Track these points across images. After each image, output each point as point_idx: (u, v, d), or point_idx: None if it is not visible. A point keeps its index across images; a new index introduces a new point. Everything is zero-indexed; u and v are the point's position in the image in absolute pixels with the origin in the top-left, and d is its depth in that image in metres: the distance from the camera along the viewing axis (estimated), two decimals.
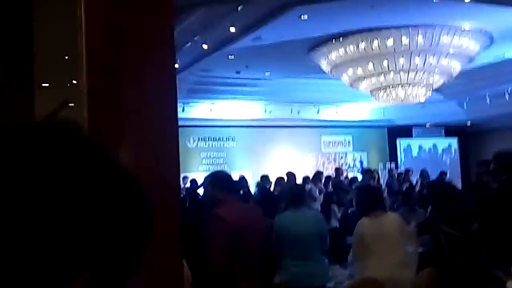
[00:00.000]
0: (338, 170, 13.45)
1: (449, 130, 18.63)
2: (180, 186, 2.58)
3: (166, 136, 2.07)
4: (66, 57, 8.42)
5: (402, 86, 11.25)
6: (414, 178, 13.09)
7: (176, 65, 8.64)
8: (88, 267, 0.46)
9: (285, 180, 10.81)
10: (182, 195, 9.92)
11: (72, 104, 11.65)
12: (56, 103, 11.84)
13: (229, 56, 10.94)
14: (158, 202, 2.00)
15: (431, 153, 18.66)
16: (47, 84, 9.62)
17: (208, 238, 3.44)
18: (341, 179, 12.54)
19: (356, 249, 4.70)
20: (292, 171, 11.23)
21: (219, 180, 3.62)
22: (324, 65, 11.42)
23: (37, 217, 0.43)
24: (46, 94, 9.78)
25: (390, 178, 13.48)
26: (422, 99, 12.09)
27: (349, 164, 16.98)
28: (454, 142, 19.03)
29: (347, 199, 8.71)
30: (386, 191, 11.42)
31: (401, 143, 18.23)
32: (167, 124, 2.09)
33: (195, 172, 14.21)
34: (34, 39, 4.13)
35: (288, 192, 5.47)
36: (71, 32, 2.25)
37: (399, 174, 13.56)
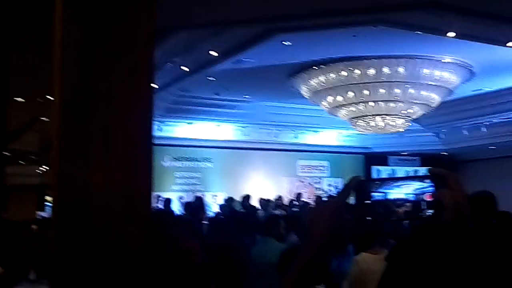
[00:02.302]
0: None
1: (425, 159, 18.66)
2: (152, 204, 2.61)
3: (140, 154, 2.02)
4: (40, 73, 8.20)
5: (381, 116, 11.21)
6: None
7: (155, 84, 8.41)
8: None
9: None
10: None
11: (44, 119, 11.38)
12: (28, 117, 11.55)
13: (209, 78, 10.79)
14: (130, 220, 2.00)
15: None
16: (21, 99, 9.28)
17: None
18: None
19: None
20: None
21: None
22: (304, 91, 11.34)
23: None
24: (20, 108, 9.50)
25: None
26: (401, 129, 12.08)
27: (324, 190, 16.83)
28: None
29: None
30: None
31: (380, 171, 18.16)
32: (142, 142, 2.03)
33: (168, 191, 13.99)
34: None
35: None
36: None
37: None
